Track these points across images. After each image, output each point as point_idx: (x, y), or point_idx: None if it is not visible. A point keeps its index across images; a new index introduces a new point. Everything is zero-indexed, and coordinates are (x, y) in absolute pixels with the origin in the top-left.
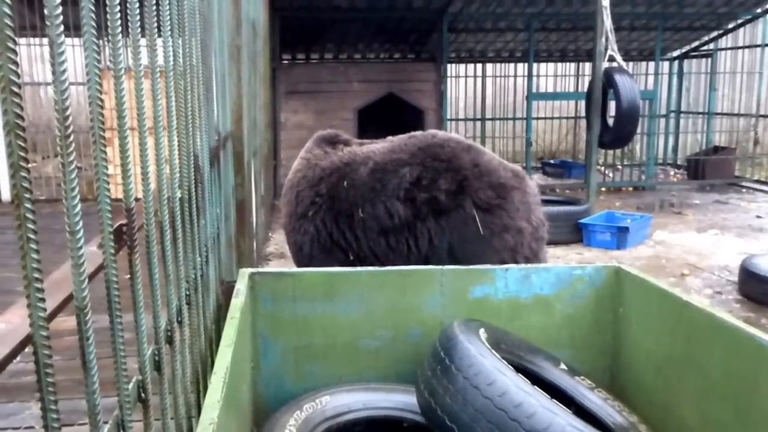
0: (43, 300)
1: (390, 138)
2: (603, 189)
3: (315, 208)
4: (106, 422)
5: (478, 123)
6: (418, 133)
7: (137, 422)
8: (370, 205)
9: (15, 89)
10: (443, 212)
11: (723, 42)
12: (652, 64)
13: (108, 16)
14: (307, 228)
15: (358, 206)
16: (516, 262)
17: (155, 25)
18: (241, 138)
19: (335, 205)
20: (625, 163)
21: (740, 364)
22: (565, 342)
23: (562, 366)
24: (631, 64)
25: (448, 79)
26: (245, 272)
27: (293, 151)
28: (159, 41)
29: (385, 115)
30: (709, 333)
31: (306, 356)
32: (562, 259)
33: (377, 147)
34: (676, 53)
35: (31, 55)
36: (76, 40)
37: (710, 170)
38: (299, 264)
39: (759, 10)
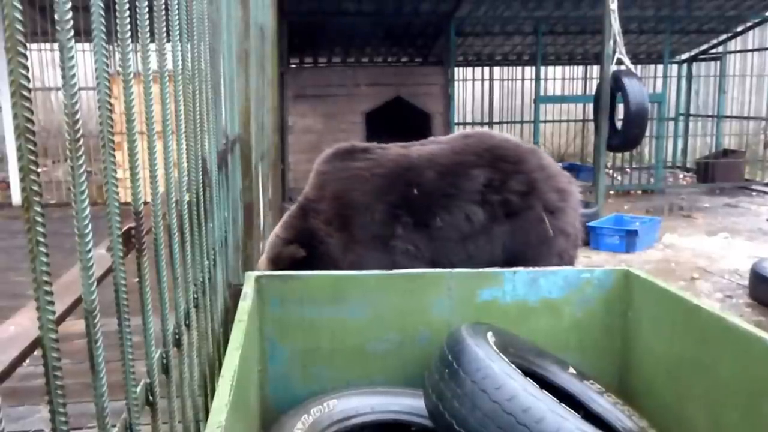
0: (52, 303)
1: (433, 139)
2: (611, 192)
3: (400, 226)
4: (114, 425)
5: (486, 126)
6: (471, 132)
7: (145, 425)
8: (446, 212)
9: (25, 94)
10: (515, 214)
11: (732, 45)
12: (660, 67)
13: (117, 22)
14: (406, 247)
15: (435, 214)
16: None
17: (164, 29)
18: (249, 141)
19: (414, 216)
20: (634, 166)
21: (751, 368)
22: (573, 345)
23: (571, 370)
24: (639, 67)
25: (456, 83)
26: (252, 275)
27: (301, 155)
28: (168, 46)
29: (392, 119)
30: (719, 337)
31: (314, 359)
32: None
33: (431, 149)
34: (684, 56)
35: (42, 60)
36: (86, 45)
37: (720, 173)
38: None
39: None
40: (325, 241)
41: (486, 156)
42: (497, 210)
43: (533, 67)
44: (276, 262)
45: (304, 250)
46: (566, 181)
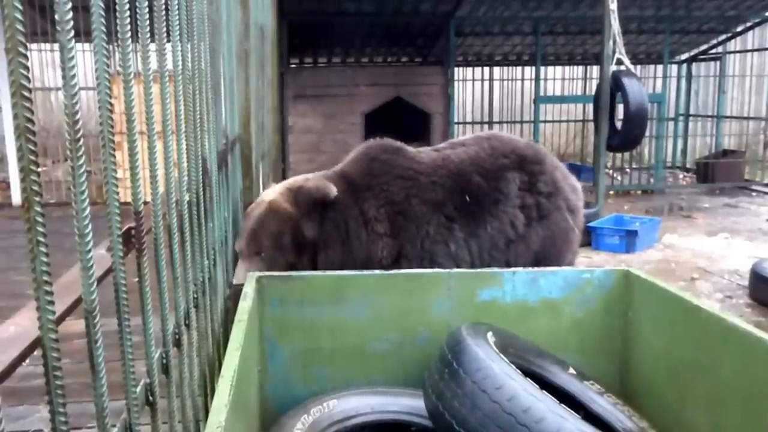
0: (52, 303)
1: (453, 141)
2: (611, 192)
3: (453, 241)
4: (114, 425)
5: (486, 126)
6: (484, 133)
7: (145, 425)
8: (495, 219)
9: (26, 94)
10: (546, 217)
11: (732, 45)
12: (660, 67)
13: (117, 22)
14: (448, 267)
15: (485, 222)
16: (569, 264)
17: (164, 30)
18: (249, 141)
19: (466, 229)
20: (634, 166)
21: (751, 368)
22: (573, 346)
23: (571, 370)
24: (639, 67)
25: (456, 83)
26: (252, 275)
27: (301, 155)
28: (168, 46)
29: (392, 119)
30: (719, 337)
31: (313, 359)
32: None
33: (465, 151)
34: (684, 56)
35: (43, 61)
36: (87, 46)
37: (720, 173)
38: None
39: None
40: (375, 233)
41: (512, 157)
42: (533, 213)
43: (533, 67)
44: (296, 192)
45: (347, 233)
46: (575, 179)
